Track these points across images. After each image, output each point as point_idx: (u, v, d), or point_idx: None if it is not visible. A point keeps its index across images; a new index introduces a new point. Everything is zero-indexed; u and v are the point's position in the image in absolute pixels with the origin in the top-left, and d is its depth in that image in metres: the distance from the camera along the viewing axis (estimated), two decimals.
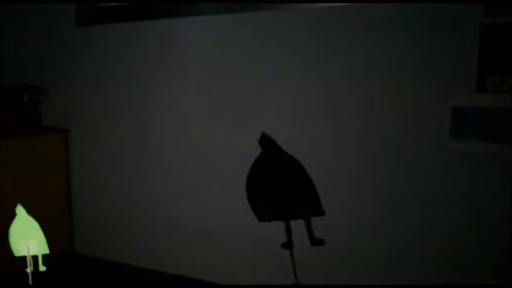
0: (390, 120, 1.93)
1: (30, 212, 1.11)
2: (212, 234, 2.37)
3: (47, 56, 2.74)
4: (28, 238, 1.06)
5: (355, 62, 1.97)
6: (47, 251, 1.09)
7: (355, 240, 2.05)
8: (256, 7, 2.09)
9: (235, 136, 2.25)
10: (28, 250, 1.05)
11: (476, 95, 1.77)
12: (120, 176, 2.60)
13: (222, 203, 2.32)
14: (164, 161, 2.46)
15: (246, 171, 2.21)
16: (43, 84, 2.75)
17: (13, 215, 1.07)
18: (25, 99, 2.65)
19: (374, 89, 1.95)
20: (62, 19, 2.65)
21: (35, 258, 1.08)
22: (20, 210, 1.06)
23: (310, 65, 2.04)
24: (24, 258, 1.05)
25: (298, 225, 2.02)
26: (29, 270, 1.07)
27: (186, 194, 2.42)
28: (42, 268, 1.08)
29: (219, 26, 2.23)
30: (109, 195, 2.65)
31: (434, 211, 1.91)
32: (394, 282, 1.98)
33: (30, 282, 1.06)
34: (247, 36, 2.17)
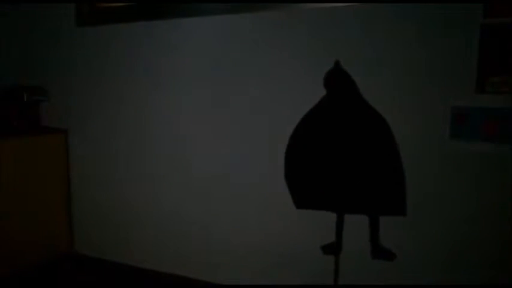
0: (390, 120, 1.92)
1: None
2: (215, 234, 2.37)
3: (47, 56, 2.74)
4: None
5: (356, 63, 1.96)
6: None
7: (355, 240, 2.05)
8: (259, 7, 2.10)
9: (238, 135, 2.25)
10: None
11: (476, 95, 1.78)
12: (120, 176, 2.60)
13: (225, 203, 2.32)
14: (165, 161, 2.46)
15: (250, 170, 2.21)
16: (43, 85, 2.75)
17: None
18: (25, 99, 2.65)
19: (374, 90, 1.94)
20: (62, 19, 2.65)
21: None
22: None
23: (311, 65, 2.04)
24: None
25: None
26: None
27: (188, 193, 2.42)
28: None
29: (221, 26, 2.23)
30: (109, 195, 2.65)
31: (434, 211, 1.91)
32: (395, 282, 1.98)
33: None
34: (250, 36, 2.17)
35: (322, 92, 1.99)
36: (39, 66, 2.78)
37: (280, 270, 2.21)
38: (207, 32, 2.26)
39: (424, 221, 1.92)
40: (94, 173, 2.69)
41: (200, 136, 2.35)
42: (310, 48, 2.04)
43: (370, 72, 1.94)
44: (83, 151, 2.71)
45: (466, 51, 1.78)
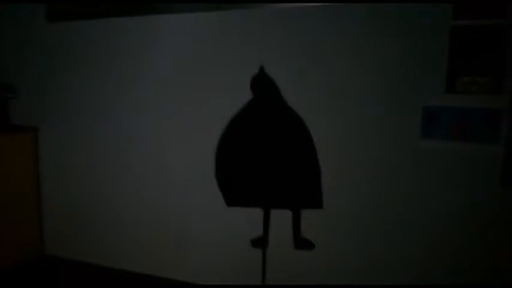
0: (362, 119, 1.95)
1: None
2: (195, 234, 2.34)
3: (16, 52, 2.65)
4: None
5: (329, 63, 1.97)
6: None
7: (331, 241, 2.06)
8: (237, 6, 2.08)
9: (215, 134, 2.22)
10: None
11: (446, 95, 1.80)
12: (93, 176, 2.54)
13: (205, 202, 2.29)
14: (140, 160, 2.41)
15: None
16: (12, 82, 2.66)
17: None
18: None
19: (347, 90, 1.95)
20: (32, 14, 2.57)
21: None
22: None
23: (285, 65, 2.03)
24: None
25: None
26: None
27: (163, 192, 2.38)
28: None
29: (200, 23, 2.19)
30: (81, 195, 2.59)
31: (405, 209, 1.93)
32: (372, 282, 2.00)
33: None
34: (229, 34, 2.14)
35: (292, 93, 2.01)
36: (8, 63, 2.69)
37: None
38: (186, 29, 2.23)
39: (396, 219, 1.95)
40: (65, 173, 2.62)
41: (177, 134, 2.31)
42: (286, 47, 2.03)
43: (342, 74, 1.96)
44: (54, 150, 2.64)
45: (437, 52, 1.80)
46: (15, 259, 2.57)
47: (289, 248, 1.87)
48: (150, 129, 2.36)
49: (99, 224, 2.57)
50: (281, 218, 1.79)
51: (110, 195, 2.52)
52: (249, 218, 1.98)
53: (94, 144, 2.52)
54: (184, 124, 2.27)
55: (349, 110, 1.96)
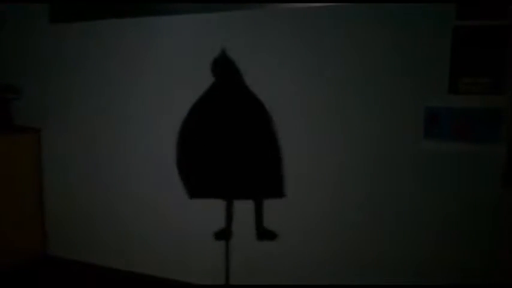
0: (364, 120, 1.96)
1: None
2: (196, 234, 2.33)
3: (19, 53, 2.66)
4: None
5: (332, 63, 1.98)
6: None
7: (333, 240, 2.07)
8: (238, 6, 2.09)
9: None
10: None
11: (448, 95, 1.81)
12: (96, 176, 2.55)
13: (206, 202, 2.26)
14: (142, 161, 2.42)
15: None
16: (15, 83, 2.67)
17: None
18: None
19: (351, 90, 1.97)
20: (35, 16, 2.58)
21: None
22: None
23: (288, 65, 2.05)
24: None
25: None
26: None
27: (166, 192, 2.37)
28: None
29: (200, 24, 2.20)
30: (83, 195, 2.60)
31: (406, 209, 1.94)
32: (372, 281, 2.01)
33: None
34: (230, 35, 2.13)
35: (297, 92, 2.02)
36: (10, 64, 2.70)
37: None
38: (185, 30, 2.24)
39: (397, 219, 1.96)
40: (67, 173, 2.63)
41: (177, 134, 2.31)
42: (287, 49, 2.04)
43: (346, 74, 1.97)
44: (56, 150, 2.64)
45: (440, 53, 1.81)
46: (18, 259, 2.57)
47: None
48: (151, 129, 2.37)
49: (101, 224, 2.57)
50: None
51: (111, 196, 2.52)
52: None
53: (96, 144, 2.53)
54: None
55: (350, 110, 1.98)
